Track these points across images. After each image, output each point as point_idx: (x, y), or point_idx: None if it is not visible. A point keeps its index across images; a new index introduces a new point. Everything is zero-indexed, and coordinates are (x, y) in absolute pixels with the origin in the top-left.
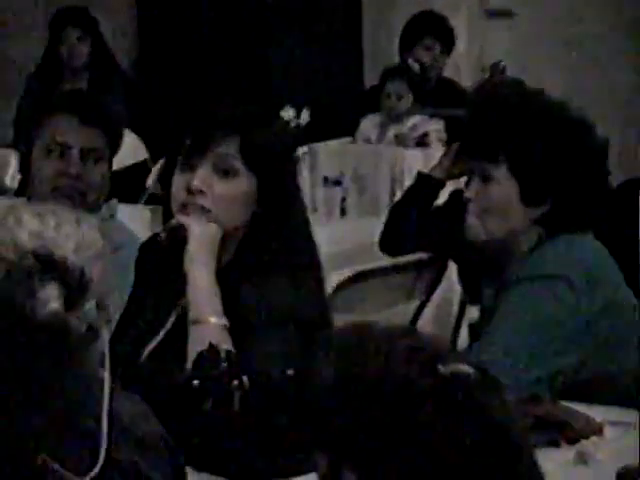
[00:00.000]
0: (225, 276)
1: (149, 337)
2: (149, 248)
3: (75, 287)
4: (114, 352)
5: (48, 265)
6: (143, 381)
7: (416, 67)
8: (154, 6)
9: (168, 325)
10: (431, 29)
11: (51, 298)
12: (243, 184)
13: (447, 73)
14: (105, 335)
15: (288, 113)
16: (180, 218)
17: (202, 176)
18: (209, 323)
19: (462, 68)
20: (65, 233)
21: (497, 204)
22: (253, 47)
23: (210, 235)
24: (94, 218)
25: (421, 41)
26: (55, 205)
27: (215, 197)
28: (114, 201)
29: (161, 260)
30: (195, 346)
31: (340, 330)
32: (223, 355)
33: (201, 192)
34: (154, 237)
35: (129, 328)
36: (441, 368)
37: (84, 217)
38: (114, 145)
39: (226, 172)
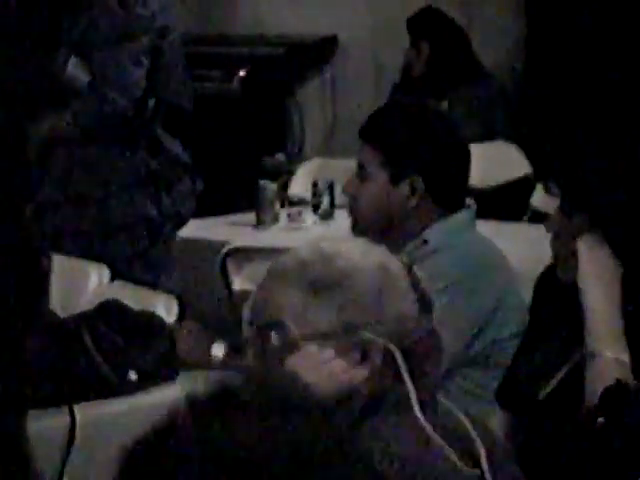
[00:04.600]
0: None
1: (549, 372)
2: (547, 277)
3: None
4: None
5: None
6: (542, 417)
7: None
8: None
9: (571, 363)
10: None
11: None
12: None
13: None
14: None
15: None
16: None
17: None
18: (603, 357)
19: None
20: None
21: None
22: None
23: (602, 253)
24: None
25: None
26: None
27: None
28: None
29: (560, 288)
30: (592, 382)
31: None
32: (633, 392)
33: None
34: (551, 267)
35: (524, 362)
36: None
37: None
38: (395, 163)
39: None
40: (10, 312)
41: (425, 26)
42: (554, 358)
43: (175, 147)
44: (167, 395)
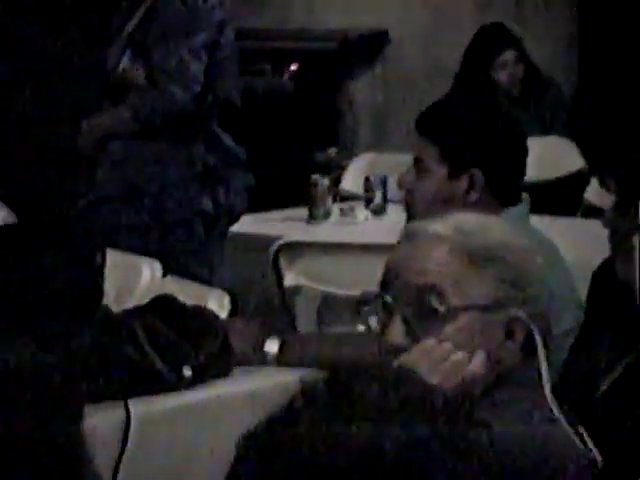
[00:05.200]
0: None
1: (606, 369)
2: (603, 273)
3: None
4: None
5: None
6: (599, 417)
7: None
8: (599, 17)
9: (628, 360)
10: None
11: None
12: None
13: None
14: None
15: None
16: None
17: None
18: None
19: None
20: None
21: None
22: None
23: None
24: None
25: None
26: None
27: None
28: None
29: (616, 287)
30: None
31: None
32: None
33: None
34: (607, 262)
35: (580, 360)
36: None
37: None
38: (452, 159)
39: None
40: (64, 307)
41: (519, 46)
42: (610, 355)
43: (230, 142)
44: (221, 391)
